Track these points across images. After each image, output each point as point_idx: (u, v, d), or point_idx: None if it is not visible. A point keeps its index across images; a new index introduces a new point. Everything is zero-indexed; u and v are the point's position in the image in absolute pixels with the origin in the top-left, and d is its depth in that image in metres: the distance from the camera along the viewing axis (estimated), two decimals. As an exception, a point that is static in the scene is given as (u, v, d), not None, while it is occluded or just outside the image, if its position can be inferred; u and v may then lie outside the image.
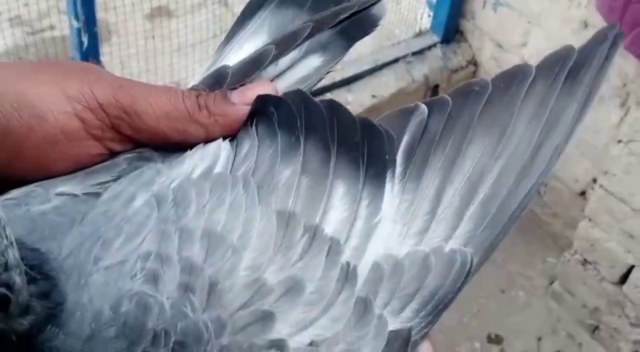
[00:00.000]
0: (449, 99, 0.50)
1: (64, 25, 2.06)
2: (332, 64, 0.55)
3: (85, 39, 1.80)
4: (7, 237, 0.36)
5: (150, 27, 2.32)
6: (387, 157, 0.48)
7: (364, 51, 2.41)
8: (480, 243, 0.47)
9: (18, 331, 0.39)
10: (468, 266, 0.46)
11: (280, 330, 0.43)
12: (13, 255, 0.36)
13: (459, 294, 0.47)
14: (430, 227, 0.47)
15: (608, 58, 0.51)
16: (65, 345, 0.40)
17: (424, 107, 0.50)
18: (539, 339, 2.23)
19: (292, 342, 0.43)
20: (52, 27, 2.22)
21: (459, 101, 0.49)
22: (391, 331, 0.45)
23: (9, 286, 0.36)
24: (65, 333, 0.41)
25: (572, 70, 0.50)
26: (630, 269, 2.02)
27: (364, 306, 0.44)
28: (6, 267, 0.36)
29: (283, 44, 0.52)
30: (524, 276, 2.37)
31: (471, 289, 2.33)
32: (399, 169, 0.48)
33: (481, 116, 0.49)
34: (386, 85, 2.35)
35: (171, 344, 0.42)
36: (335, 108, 0.49)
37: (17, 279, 0.36)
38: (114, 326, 0.41)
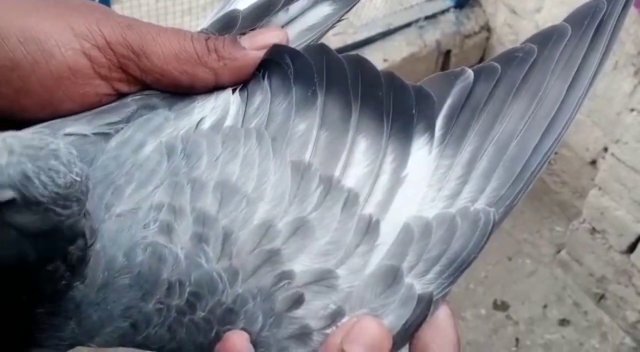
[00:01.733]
0: (498, 65, 0.49)
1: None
2: (342, 12, 0.54)
3: (96, -5, 1.79)
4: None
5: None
6: (413, 111, 0.47)
7: (376, 15, 2.39)
8: (503, 202, 0.46)
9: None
10: (491, 225, 0.46)
11: (289, 266, 0.43)
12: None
13: (479, 256, 0.47)
14: (462, 191, 0.47)
15: (626, 7, 0.50)
16: (81, 293, 0.40)
17: (470, 73, 0.49)
18: (545, 306, 2.24)
19: (303, 278, 0.43)
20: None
21: (504, 67, 0.49)
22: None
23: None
24: (82, 282, 0.40)
25: (599, 20, 0.49)
26: (639, 239, 2.02)
27: (393, 275, 0.44)
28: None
29: None
30: (532, 243, 2.37)
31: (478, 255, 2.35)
32: (438, 133, 0.48)
33: (521, 82, 0.49)
34: (398, 49, 2.33)
35: (186, 295, 0.42)
36: (360, 62, 0.48)
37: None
38: (128, 275, 0.41)
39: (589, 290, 2.21)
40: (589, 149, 2.27)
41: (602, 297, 2.18)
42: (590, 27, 0.49)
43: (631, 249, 2.05)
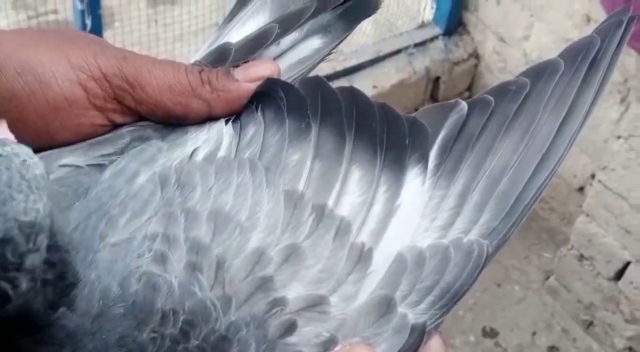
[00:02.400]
0: (491, 98, 0.50)
1: (67, 9, 2.06)
2: (333, 45, 0.55)
3: (88, 22, 1.80)
4: (34, 242, 0.35)
5: (153, 13, 2.32)
6: (407, 142, 0.48)
7: (366, 42, 2.41)
8: (496, 234, 0.47)
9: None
10: (484, 257, 0.46)
11: (282, 293, 0.43)
12: (32, 261, 0.35)
13: (472, 287, 0.47)
14: (455, 222, 0.47)
15: (620, 43, 0.51)
16: (74, 323, 0.40)
17: (464, 105, 0.49)
18: (534, 333, 2.24)
19: (295, 305, 0.43)
20: (55, 11, 2.21)
21: (498, 101, 0.50)
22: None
23: (14, 285, 0.35)
24: (74, 311, 0.40)
25: (592, 56, 0.50)
26: (626, 265, 2.02)
27: (386, 305, 0.44)
28: (18, 269, 0.35)
29: (286, 23, 0.52)
30: (520, 270, 2.38)
31: (467, 281, 2.34)
32: (431, 164, 0.48)
33: (514, 115, 0.49)
34: (387, 76, 2.35)
35: (180, 324, 0.42)
36: (353, 94, 0.49)
37: (24, 284, 0.35)
38: (122, 304, 0.41)
39: (577, 317, 2.21)
40: (576, 175, 2.28)
41: (590, 324, 2.19)
42: (584, 63, 0.50)
43: (618, 276, 2.06)
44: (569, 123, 0.49)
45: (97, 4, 1.81)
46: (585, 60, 0.50)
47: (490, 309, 2.28)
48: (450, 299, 0.45)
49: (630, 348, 2.09)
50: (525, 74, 0.51)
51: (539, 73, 0.50)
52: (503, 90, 0.50)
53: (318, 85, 0.49)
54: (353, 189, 0.47)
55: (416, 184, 0.48)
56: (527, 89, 0.50)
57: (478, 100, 0.50)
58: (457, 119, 0.49)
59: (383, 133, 0.48)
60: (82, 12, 1.80)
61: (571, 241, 2.17)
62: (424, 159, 0.48)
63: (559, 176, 2.33)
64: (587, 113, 0.50)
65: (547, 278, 2.31)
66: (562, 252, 2.21)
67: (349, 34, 0.56)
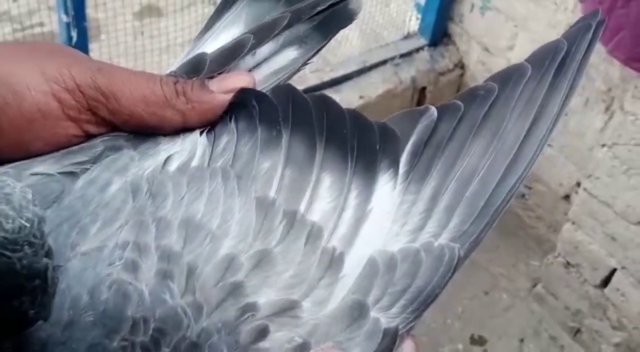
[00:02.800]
0: (461, 103, 0.50)
1: (53, 22, 2.06)
2: (308, 56, 0.56)
3: (74, 34, 1.80)
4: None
5: (139, 25, 2.32)
6: (377, 147, 0.49)
7: (352, 53, 2.42)
8: (467, 238, 0.48)
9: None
10: (455, 260, 0.47)
11: (253, 298, 0.44)
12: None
13: (444, 290, 0.47)
14: (425, 226, 0.48)
15: (590, 47, 0.51)
16: (46, 332, 0.40)
17: (433, 110, 0.50)
18: (522, 340, 2.25)
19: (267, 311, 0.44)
20: (41, 24, 2.22)
21: (467, 105, 0.50)
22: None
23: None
24: (46, 321, 0.41)
25: (559, 62, 0.51)
26: (613, 272, 2.04)
27: (359, 309, 0.45)
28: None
29: (261, 33, 0.53)
30: (508, 278, 2.39)
31: (455, 290, 2.34)
32: (402, 169, 0.49)
33: (482, 119, 0.50)
34: (374, 86, 2.36)
35: (150, 331, 0.42)
36: (324, 102, 0.50)
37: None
38: (92, 312, 0.41)
39: (564, 324, 2.22)
40: (562, 184, 2.30)
41: (578, 331, 2.19)
42: (551, 66, 0.51)
43: (605, 283, 2.07)
44: (537, 127, 0.50)
45: (83, 17, 1.81)
46: (553, 63, 0.51)
47: (478, 317, 2.28)
48: (422, 303, 0.46)
49: (617, 355, 2.10)
50: (493, 78, 0.51)
51: (507, 77, 0.51)
52: (472, 95, 0.51)
53: (290, 93, 0.50)
54: (324, 195, 0.48)
55: (387, 190, 0.48)
56: (495, 94, 0.50)
57: (447, 106, 0.51)
58: (427, 125, 0.50)
59: (354, 140, 0.49)
60: (68, 24, 1.80)
61: (558, 249, 2.18)
62: (394, 164, 0.49)
63: (545, 184, 2.34)
64: (556, 117, 0.50)
65: (535, 286, 2.32)
66: (548, 259, 2.22)
67: (325, 45, 0.57)
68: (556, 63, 0.51)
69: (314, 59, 0.57)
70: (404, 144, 0.49)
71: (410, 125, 0.50)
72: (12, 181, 0.37)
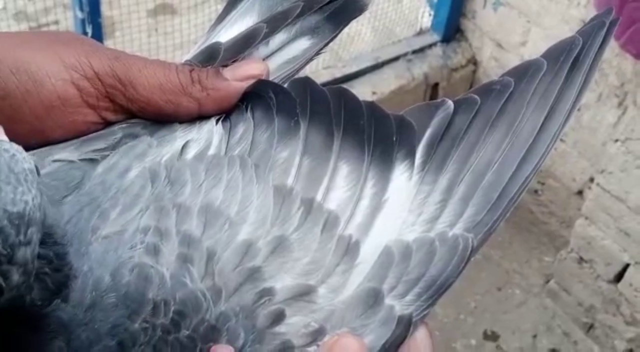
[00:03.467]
0: (477, 97, 0.51)
1: (68, 19, 2.08)
2: (320, 46, 0.57)
3: (89, 30, 1.81)
4: (25, 234, 0.35)
5: (154, 23, 2.34)
6: (394, 139, 0.49)
7: (364, 49, 2.42)
8: (481, 228, 0.48)
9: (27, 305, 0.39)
10: (469, 250, 0.47)
11: (271, 283, 0.44)
12: (24, 253, 0.35)
13: (458, 280, 0.48)
14: (441, 216, 0.48)
15: (603, 44, 0.52)
16: (68, 314, 0.41)
17: (450, 103, 0.51)
18: (535, 336, 2.25)
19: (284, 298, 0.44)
20: (56, 22, 2.23)
21: (483, 99, 0.51)
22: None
23: (5, 277, 0.35)
24: (67, 302, 0.41)
25: (574, 58, 0.52)
26: (626, 267, 2.03)
27: (374, 296, 0.45)
28: (9, 261, 0.34)
29: (274, 23, 0.54)
30: (521, 274, 2.39)
31: (468, 286, 2.34)
32: (418, 160, 0.50)
33: (498, 112, 0.51)
34: (387, 82, 2.36)
35: (170, 314, 0.43)
36: (342, 93, 0.51)
37: (15, 277, 0.35)
38: (114, 294, 0.42)
39: (578, 319, 2.21)
40: (575, 179, 2.29)
41: (591, 326, 2.19)
42: (566, 62, 0.52)
43: (618, 278, 2.06)
44: (552, 120, 0.51)
45: (98, 13, 1.83)
46: (568, 59, 0.52)
47: (491, 312, 2.28)
48: (436, 291, 0.47)
49: (631, 350, 2.09)
50: (509, 73, 0.52)
51: (523, 72, 0.52)
52: (488, 90, 0.52)
53: (307, 85, 0.51)
54: (341, 184, 0.48)
55: (403, 180, 0.49)
56: (511, 88, 0.51)
57: (464, 99, 0.51)
58: (444, 117, 0.51)
59: (371, 130, 0.50)
60: (83, 21, 1.82)
61: (571, 244, 2.17)
62: (411, 155, 0.50)
63: (558, 180, 2.34)
64: (570, 110, 0.51)
65: (548, 281, 2.31)
66: (561, 255, 2.22)
67: (336, 35, 0.58)
68: (571, 59, 0.52)
69: (326, 49, 0.58)
70: (421, 135, 0.50)
71: (427, 118, 0.51)
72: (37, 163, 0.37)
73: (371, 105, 0.51)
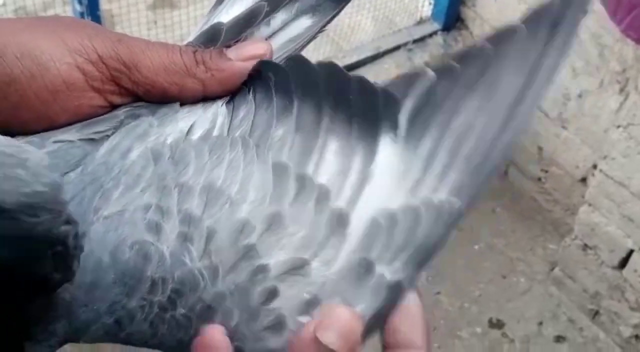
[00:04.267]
0: (456, 64, 0.51)
1: (67, 12, 2.08)
2: (322, 24, 0.57)
3: (88, 23, 1.81)
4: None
5: (153, 16, 2.34)
6: (380, 112, 0.50)
7: (365, 39, 2.42)
8: (465, 192, 0.48)
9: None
10: (455, 215, 0.48)
11: (265, 260, 0.45)
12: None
13: (447, 244, 0.48)
14: (424, 182, 0.49)
15: (583, 4, 0.52)
16: (70, 294, 0.42)
17: (430, 73, 0.51)
18: (540, 323, 2.25)
19: (277, 271, 0.45)
20: (55, 17, 2.23)
21: (462, 65, 0.51)
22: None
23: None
24: (71, 283, 0.41)
25: (553, 20, 0.52)
26: (630, 253, 2.03)
27: (364, 266, 0.46)
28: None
29: (274, 1, 0.54)
30: (525, 262, 2.39)
31: (472, 274, 2.34)
32: (402, 130, 0.50)
33: (478, 77, 0.51)
34: (387, 72, 2.37)
35: (168, 292, 0.43)
36: (331, 68, 0.51)
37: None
38: (112, 271, 0.43)
39: (583, 306, 2.22)
40: (578, 166, 2.29)
41: (596, 313, 2.19)
42: (545, 27, 0.51)
43: (622, 264, 2.06)
44: (532, 83, 0.50)
45: (96, 5, 1.83)
46: (546, 24, 0.51)
47: (496, 300, 2.28)
48: (424, 257, 0.47)
49: (636, 336, 2.10)
50: (487, 38, 0.52)
51: (501, 37, 0.51)
52: (467, 55, 0.51)
53: (300, 62, 0.51)
54: (330, 159, 0.49)
55: (389, 151, 0.49)
56: (490, 52, 0.51)
57: (444, 67, 0.51)
58: (425, 86, 0.50)
59: (358, 104, 0.50)
60: (82, 14, 1.82)
61: (575, 231, 2.18)
62: (394, 126, 0.50)
63: (561, 168, 2.34)
64: (551, 75, 0.51)
65: (553, 269, 2.32)
66: (566, 242, 2.22)
67: (338, 13, 0.58)
68: (549, 22, 0.51)
69: (327, 27, 0.58)
70: (403, 105, 0.50)
71: (409, 88, 0.51)
72: (32, 147, 0.38)
73: (360, 80, 0.51)
